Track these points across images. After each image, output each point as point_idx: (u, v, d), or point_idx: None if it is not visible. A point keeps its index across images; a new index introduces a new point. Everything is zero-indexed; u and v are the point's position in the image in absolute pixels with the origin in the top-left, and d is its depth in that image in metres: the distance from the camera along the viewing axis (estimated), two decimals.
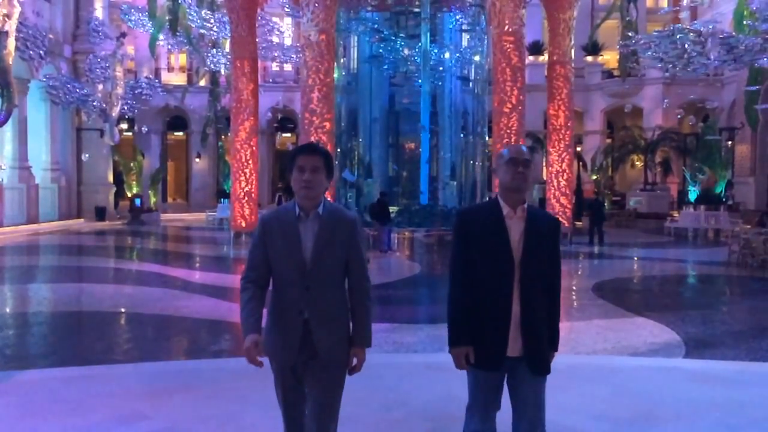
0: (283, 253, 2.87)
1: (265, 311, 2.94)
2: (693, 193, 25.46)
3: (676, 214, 24.36)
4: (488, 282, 2.87)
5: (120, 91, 23.89)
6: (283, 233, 2.88)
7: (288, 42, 29.62)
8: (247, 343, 2.78)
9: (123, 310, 9.36)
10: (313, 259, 2.84)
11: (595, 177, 31.09)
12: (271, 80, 33.54)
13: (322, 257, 2.85)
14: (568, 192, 19.76)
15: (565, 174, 19.71)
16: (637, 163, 32.47)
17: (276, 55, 27.70)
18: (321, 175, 2.86)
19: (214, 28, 24.41)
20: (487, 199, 21.37)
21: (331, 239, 2.86)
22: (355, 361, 2.93)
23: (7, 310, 9.58)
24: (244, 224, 19.39)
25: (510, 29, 17.30)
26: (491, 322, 2.86)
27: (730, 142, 27.60)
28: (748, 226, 15.83)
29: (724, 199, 24.91)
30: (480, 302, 2.89)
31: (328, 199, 3.00)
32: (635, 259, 16.11)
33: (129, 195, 28.62)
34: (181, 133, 35.20)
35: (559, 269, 3.03)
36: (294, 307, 2.86)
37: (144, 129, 29.68)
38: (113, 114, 23.94)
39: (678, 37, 17.24)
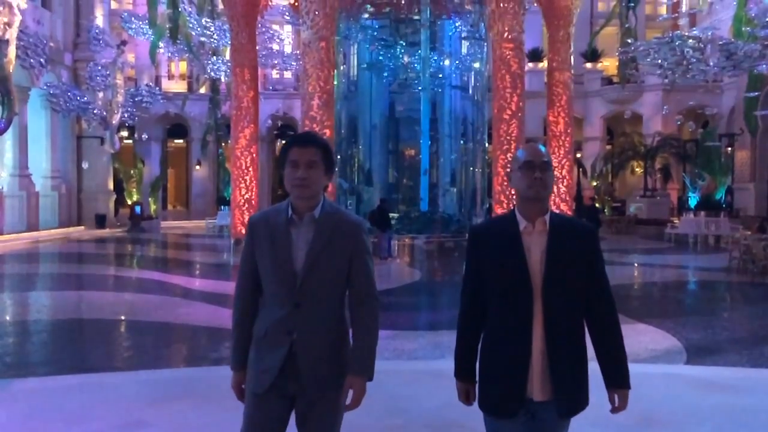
0: (270, 262, 2.41)
1: None
2: (693, 200, 25.45)
3: (676, 221, 24.35)
4: (503, 311, 2.38)
5: (120, 98, 23.94)
6: (272, 238, 2.41)
7: (288, 49, 29.69)
8: (232, 382, 2.51)
9: (123, 317, 9.34)
10: (306, 271, 2.37)
11: (595, 183, 31.11)
12: (271, 88, 33.59)
13: (316, 268, 2.37)
14: (568, 198, 19.77)
15: (565, 180, 19.73)
16: (637, 169, 32.47)
17: (276, 62, 27.76)
18: (318, 171, 2.38)
19: (215, 36, 24.46)
20: (487, 205, 20.98)
21: (329, 247, 2.39)
22: (350, 395, 2.42)
23: (7, 317, 9.57)
24: (244, 231, 19.26)
25: (509, 36, 17.34)
26: (505, 361, 2.37)
27: (729, 148, 27.61)
28: (749, 232, 15.82)
29: (724, 205, 24.90)
30: (493, 335, 2.43)
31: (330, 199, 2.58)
32: (636, 265, 16.09)
33: (129, 202, 28.62)
34: (181, 141, 35.23)
35: (609, 292, 2.44)
36: (281, 327, 2.39)
37: (144, 136, 29.69)
38: (114, 121, 23.98)
39: (677, 43, 17.28)
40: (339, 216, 2.46)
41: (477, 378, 2.49)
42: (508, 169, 2.52)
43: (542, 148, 2.47)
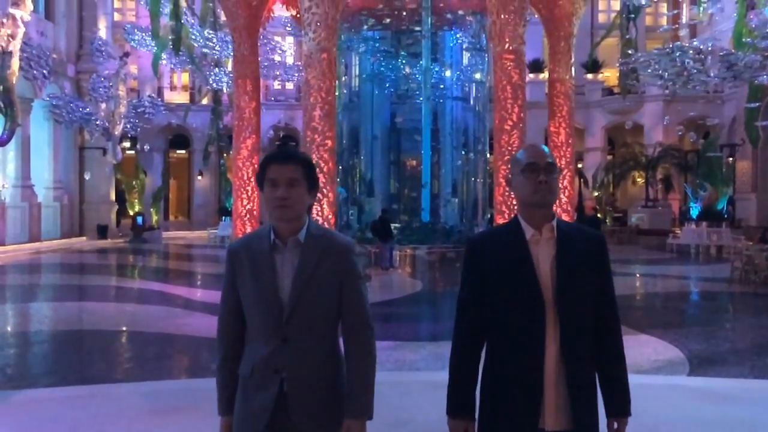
0: (254, 293, 2.20)
1: None
2: (695, 210, 25.44)
3: (678, 231, 24.33)
4: (510, 330, 2.13)
5: (123, 109, 24.03)
6: (254, 268, 2.20)
7: (290, 61, 29.80)
8: (221, 429, 2.40)
9: (124, 328, 9.33)
10: (293, 300, 2.16)
11: (596, 194, 31.12)
12: (272, 98, 33.72)
13: (304, 297, 2.17)
14: (569, 209, 19.75)
15: (566, 191, 19.72)
16: (639, 179, 32.48)
17: (278, 73, 27.89)
18: (301, 190, 2.18)
19: (217, 48, 24.58)
20: (489, 216, 20.88)
21: (317, 273, 2.18)
22: None
23: (9, 328, 9.57)
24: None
25: (510, 47, 17.39)
26: (515, 388, 2.11)
27: (731, 159, 27.63)
28: (751, 243, 15.80)
29: (725, 216, 24.88)
30: (498, 358, 2.16)
31: (321, 222, 2.41)
32: (638, 275, 16.07)
33: (131, 213, 28.65)
34: (183, 152, 35.32)
35: (615, 304, 2.25)
36: (268, 365, 2.18)
37: (146, 147, 29.78)
38: (116, 132, 24.06)
39: (678, 54, 17.32)
40: (326, 238, 2.25)
41: (477, 412, 2.22)
42: (508, 174, 2.30)
43: (545, 149, 2.25)
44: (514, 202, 16.15)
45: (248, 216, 19.87)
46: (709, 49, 17.15)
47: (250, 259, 2.22)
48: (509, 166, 2.31)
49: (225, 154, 31.05)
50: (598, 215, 24.66)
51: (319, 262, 2.19)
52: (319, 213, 16.37)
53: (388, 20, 21.77)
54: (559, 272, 2.12)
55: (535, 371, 2.09)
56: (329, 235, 2.30)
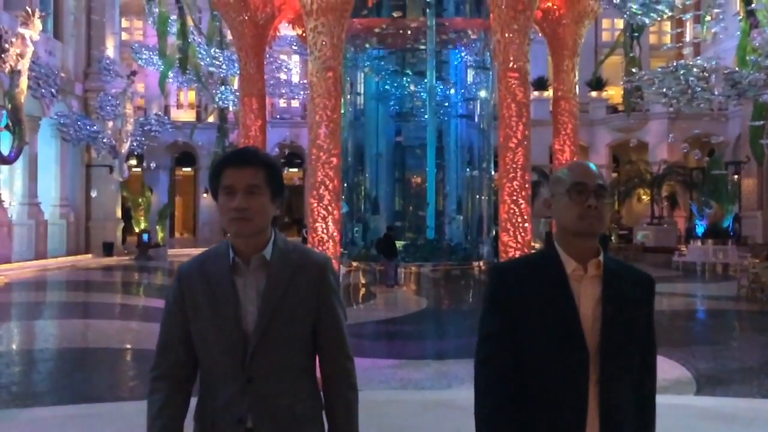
0: (210, 325, 1.81)
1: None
2: (700, 227, 25.38)
3: (683, 248, 24.25)
4: (547, 384, 1.77)
5: (130, 127, 24.21)
6: (210, 294, 1.82)
7: (296, 79, 30.05)
8: None
9: (129, 346, 9.33)
10: (259, 333, 1.79)
11: None
12: (278, 116, 33.94)
13: (272, 328, 1.80)
14: None
15: None
16: (644, 197, 32.46)
17: (284, 91, 28.12)
18: (262, 198, 1.81)
19: (223, 66, 24.80)
20: (494, 233, 20.64)
21: (288, 298, 1.81)
22: None
23: (14, 346, 9.58)
24: None
25: (515, 66, 17.43)
26: None
27: (736, 176, 27.61)
28: (757, 260, 15.73)
29: (731, 233, 24.81)
30: (533, 419, 1.78)
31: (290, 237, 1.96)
32: None
33: (137, 230, 28.74)
34: (189, 169, 35.49)
35: (655, 358, 1.96)
36: (229, 413, 1.80)
37: (152, 165, 29.94)
38: (123, 150, 24.22)
39: (682, 72, 17.37)
40: (298, 254, 1.88)
41: None
42: (548, 195, 1.94)
43: (594, 168, 1.90)
44: (519, 220, 16.16)
45: None
46: (713, 67, 17.20)
47: (205, 284, 1.83)
48: (550, 185, 1.96)
49: None
50: (605, 233, 24.62)
51: (290, 284, 1.83)
52: (324, 230, 16.42)
53: (392, 39, 21.94)
54: (605, 317, 1.77)
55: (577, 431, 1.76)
56: (301, 250, 1.92)
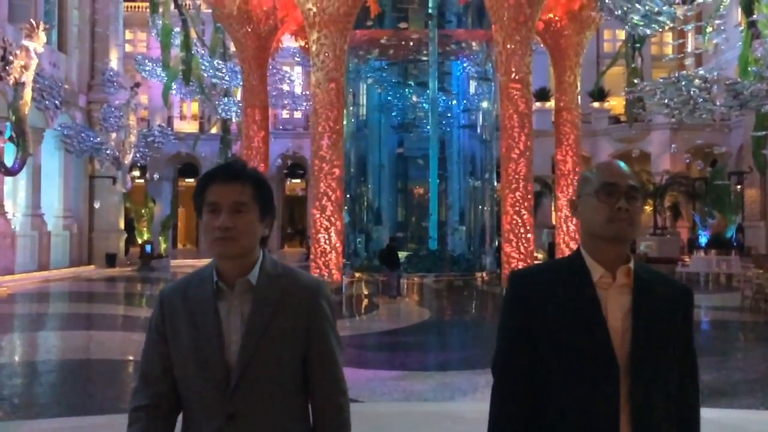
0: (192, 353, 1.68)
1: None
2: (703, 238, 25.34)
3: (687, 259, 24.21)
4: (572, 399, 1.63)
5: (133, 139, 24.29)
6: (192, 320, 1.70)
7: (298, 90, 30.16)
8: None
9: (131, 357, 9.32)
10: (243, 364, 1.65)
11: None
12: (281, 127, 34.05)
13: (258, 359, 1.66)
14: (578, 237, 19.72)
15: (574, 219, 19.71)
16: (647, 207, 32.44)
17: (286, 102, 28.22)
18: (249, 216, 1.68)
19: (226, 78, 24.91)
20: (497, 244, 20.53)
21: (275, 326, 1.68)
22: None
23: (17, 358, 9.57)
24: None
25: (517, 77, 17.57)
26: None
27: (739, 187, 27.59)
28: (761, 271, 15.69)
29: (734, 244, 24.77)
30: None
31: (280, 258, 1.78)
32: None
33: (140, 241, 28.79)
34: (192, 180, 35.58)
35: (697, 374, 1.76)
36: None
37: (156, 176, 30.03)
38: (126, 162, 24.29)
39: (683, 83, 17.39)
40: (288, 278, 1.73)
41: None
42: (572, 196, 1.80)
43: (625, 168, 1.73)
44: (522, 230, 16.15)
45: None
46: (715, 78, 17.23)
47: (187, 309, 1.70)
48: (576, 185, 1.81)
49: None
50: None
51: (278, 311, 1.69)
52: (327, 241, 16.45)
53: (395, 50, 22.05)
54: (636, 331, 1.62)
55: None
56: (290, 273, 1.76)
